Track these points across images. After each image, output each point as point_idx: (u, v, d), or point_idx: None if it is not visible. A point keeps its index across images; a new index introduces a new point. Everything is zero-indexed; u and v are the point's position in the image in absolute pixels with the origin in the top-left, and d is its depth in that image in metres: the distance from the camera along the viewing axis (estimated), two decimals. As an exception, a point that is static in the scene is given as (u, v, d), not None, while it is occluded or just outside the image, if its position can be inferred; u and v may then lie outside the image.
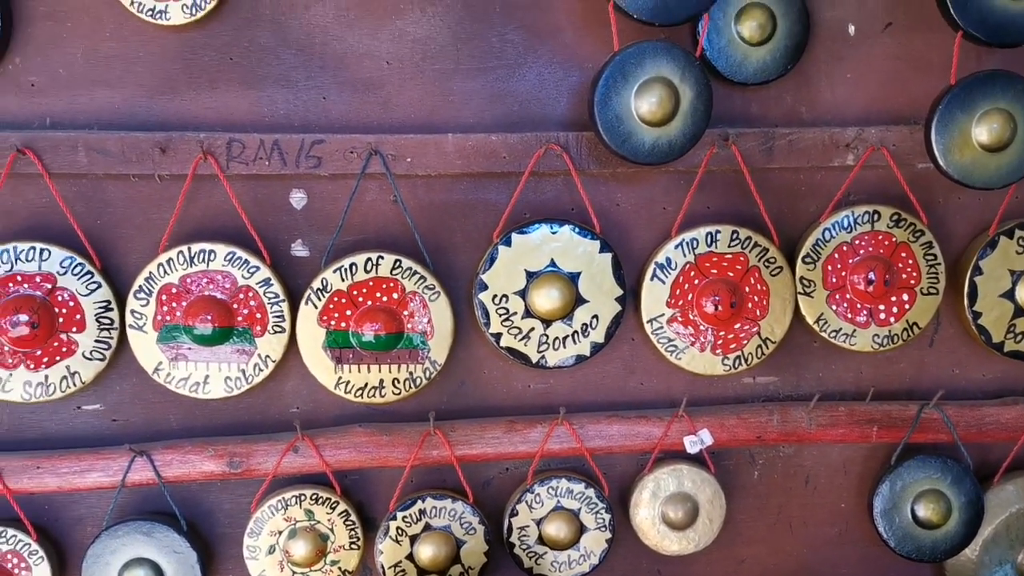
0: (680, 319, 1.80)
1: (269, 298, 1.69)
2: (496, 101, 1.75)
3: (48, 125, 1.66)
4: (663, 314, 1.80)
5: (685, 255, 1.78)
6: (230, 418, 1.77)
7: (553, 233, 1.72)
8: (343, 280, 1.69)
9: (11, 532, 1.70)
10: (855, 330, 1.82)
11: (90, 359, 1.67)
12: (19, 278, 1.63)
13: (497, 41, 1.73)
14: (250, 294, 1.68)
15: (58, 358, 1.66)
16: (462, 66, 1.73)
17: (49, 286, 1.64)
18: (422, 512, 1.75)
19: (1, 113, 1.65)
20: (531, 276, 1.73)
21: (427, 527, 1.76)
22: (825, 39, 1.81)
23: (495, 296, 1.73)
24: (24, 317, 1.62)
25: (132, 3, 1.61)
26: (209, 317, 1.66)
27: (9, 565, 1.70)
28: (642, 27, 1.63)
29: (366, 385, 1.72)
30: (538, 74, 1.75)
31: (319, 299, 1.69)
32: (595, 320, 1.75)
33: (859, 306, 1.81)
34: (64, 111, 1.67)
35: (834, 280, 1.81)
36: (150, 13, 1.62)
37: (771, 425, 1.85)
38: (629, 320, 1.82)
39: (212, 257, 1.67)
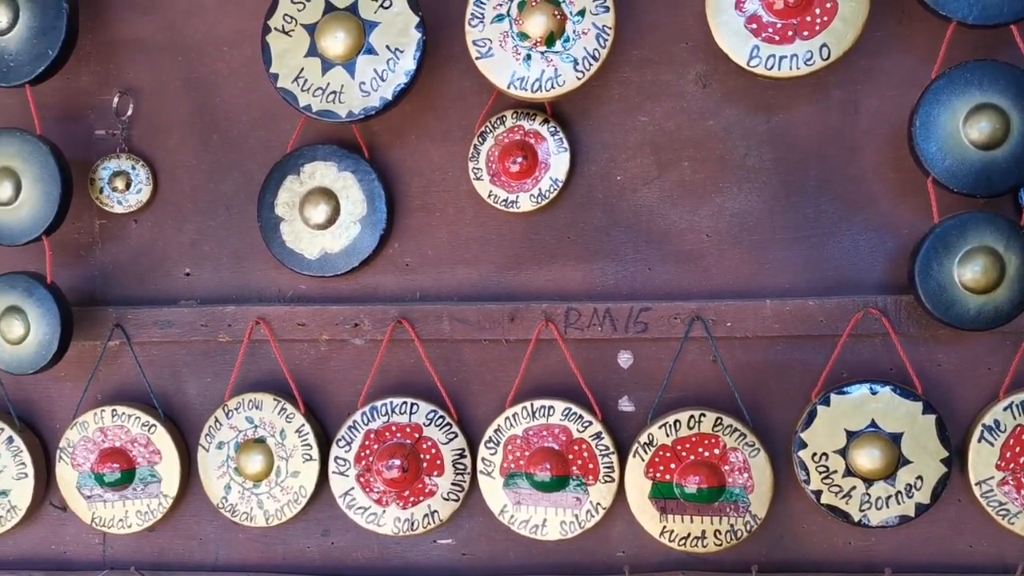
0: (1012, 482, 1.68)
1: (600, 450, 1.79)
2: (811, 267, 1.78)
3: (418, 298, 1.92)
4: (992, 477, 1.69)
5: (1015, 417, 1.68)
6: (563, 558, 1.87)
7: (873, 394, 1.70)
8: (668, 436, 1.75)
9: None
10: None
11: (447, 500, 1.86)
12: (393, 428, 1.86)
13: (812, 212, 1.78)
14: (583, 446, 1.80)
15: (421, 498, 1.86)
16: (778, 236, 1.79)
17: (417, 436, 1.86)
18: (744, 663, 1.74)
19: (383, 289, 1.92)
20: (851, 435, 1.70)
21: None
22: None
23: (814, 454, 1.72)
24: (397, 462, 1.83)
25: (489, 195, 1.84)
26: (548, 467, 1.79)
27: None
28: (962, 197, 1.62)
29: (689, 535, 1.76)
30: (853, 241, 1.77)
31: (646, 452, 1.76)
32: (919, 481, 1.69)
33: None
34: (431, 286, 1.91)
35: None
36: (503, 203, 1.83)
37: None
38: (955, 481, 1.73)
39: (551, 412, 1.80)
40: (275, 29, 1.75)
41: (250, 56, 1.92)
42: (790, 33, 1.63)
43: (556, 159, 1.81)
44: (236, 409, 1.90)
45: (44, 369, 1.85)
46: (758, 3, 1.63)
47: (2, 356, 1.86)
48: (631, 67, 1.81)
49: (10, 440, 1.97)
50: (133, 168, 1.96)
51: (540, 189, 1.82)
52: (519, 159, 1.80)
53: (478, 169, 1.84)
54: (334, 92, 1.74)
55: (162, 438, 1.93)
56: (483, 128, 1.83)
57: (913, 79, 1.72)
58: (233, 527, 1.96)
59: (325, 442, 1.90)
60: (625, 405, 1.86)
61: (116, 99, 1.96)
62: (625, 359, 1.85)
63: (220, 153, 1.96)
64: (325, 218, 1.87)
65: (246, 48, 1.92)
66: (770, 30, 1.63)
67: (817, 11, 1.63)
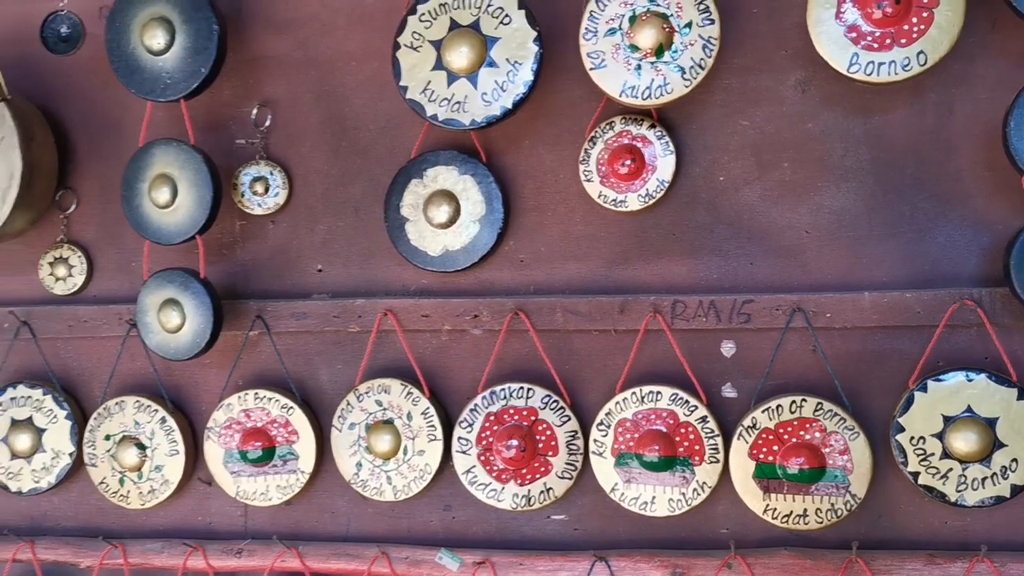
0: (1106, 465, 1.75)
1: (706, 433, 1.90)
2: (908, 261, 1.87)
3: (532, 292, 2.05)
4: (1086, 459, 1.76)
5: (1109, 403, 1.74)
6: (670, 534, 1.99)
7: (969, 381, 1.78)
8: (771, 419, 1.86)
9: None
10: None
11: (561, 478, 1.99)
12: (511, 411, 2.00)
13: (908, 209, 1.86)
14: (689, 429, 1.91)
15: (537, 476, 1.99)
16: (875, 232, 1.88)
17: (533, 418, 1.99)
18: (844, 634, 1.84)
19: (500, 283, 2.06)
20: (948, 420, 1.79)
21: (850, 649, 1.84)
22: None
23: (912, 438, 1.80)
24: (515, 442, 1.97)
25: (599, 196, 1.96)
26: (657, 448, 1.90)
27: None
28: (1056, 193, 1.69)
29: (791, 513, 1.86)
30: (948, 237, 1.85)
31: (749, 435, 1.87)
32: (1014, 463, 1.76)
33: None
34: (544, 280, 2.05)
35: None
36: (612, 202, 1.96)
37: None
38: (1049, 464, 1.80)
39: (659, 397, 1.92)
40: (404, 46, 1.90)
41: (376, 70, 2.08)
42: (888, 41, 1.72)
43: (662, 161, 1.92)
44: (366, 393, 2.07)
45: (198, 356, 2.04)
46: (857, 13, 1.73)
47: (160, 344, 2.06)
48: (733, 74, 1.92)
49: (163, 420, 2.17)
50: (271, 173, 2.13)
51: (647, 189, 1.93)
52: (628, 162, 1.92)
53: (588, 171, 1.96)
54: (458, 102, 1.89)
55: (299, 419, 2.11)
56: (593, 133, 1.95)
57: (1006, 82, 1.81)
58: (362, 501, 2.13)
59: (447, 424, 2.06)
60: (728, 391, 1.96)
61: (255, 111, 2.14)
62: (728, 348, 1.96)
63: (349, 159, 2.12)
64: (447, 218, 2.01)
65: (372, 63, 2.08)
66: (869, 38, 1.72)
67: (914, 20, 1.72)
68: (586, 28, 1.81)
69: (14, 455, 2.24)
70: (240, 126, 2.16)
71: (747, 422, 1.88)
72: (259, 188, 2.12)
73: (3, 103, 2.05)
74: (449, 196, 2.02)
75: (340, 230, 2.13)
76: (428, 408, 2.04)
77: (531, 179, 2.03)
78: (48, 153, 2.16)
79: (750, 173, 1.93)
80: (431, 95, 1.89)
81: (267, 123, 2.13)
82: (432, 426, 2.03)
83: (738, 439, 1.88)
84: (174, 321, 2.03)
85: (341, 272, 2.14)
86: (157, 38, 1.97)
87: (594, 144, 1.95)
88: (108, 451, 2.19)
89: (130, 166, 2.05)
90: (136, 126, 2.17)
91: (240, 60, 2.13)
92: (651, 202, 1.94)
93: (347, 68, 2.11)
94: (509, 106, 1.87)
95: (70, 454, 2.22)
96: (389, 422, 2.06)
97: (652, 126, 1.92)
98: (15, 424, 2.24)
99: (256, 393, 2.11)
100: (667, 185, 1.93)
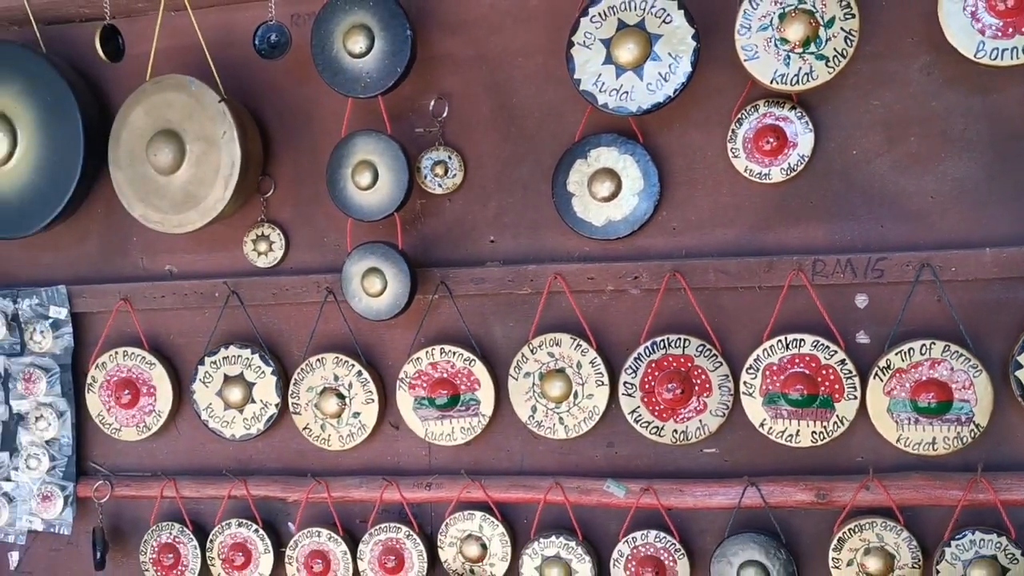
0: None
1: (844, 374, 2.17)
2: (1024, 221, 2.13)
3: (684, 255, 2.32)
4: None
5: None
6: (812, 461, 2.26)
7: (1082, 323, 2.03)
8: (903, 361, 2.13)
9: (653, 533, 2.32)
10: None
11: (714, 416, 2.27)
12: (670, 358, 2.28)
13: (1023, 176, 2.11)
14: (830, 371, 2.18)
15: (692, 415, 2.28)
16: (994, 196, 2.13)
17: (689, 364, 2.27)
18: (972, 542, 2.10)
19: (655, 248, 2.33)
20: (1063, 357, 2.04)
21: (976, 555, 2.10)
22: None
23: (1030, 373, 2.06)
24: (674, 385, 2.26)
25: (745, 170, 2.23)
26: (801, 387, 2.18)
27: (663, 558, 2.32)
28: None
29: (921, 441, 2.14)
30: (1062, 198, 2.10)
31: (884, 375, 2.14)
32: (1123, 394, 2.01)
33: None
34: (694, 245, 2.32)
35: None
36: (757, 176, 2.22)
37: None
38: None
39: (802, 344, 2.19)
40: (577, 43, 2.17)
41: (540, 64, 2.36)
42: (1011, 29, 1.96)
43: (803, 138, 2.18)
44: (539, 346, 2.36)
45: (396, 316, 2.35)
46: (982, 5, 1.97)
47: (363, 306, 2.37)
48: (864, 60, 2.17)
49: (359, 373, 2.48)
50: (449, 158, 2.42)
51: (789, 163, 2.20)
52: (771, 139, 2.18)
53: (735, 149, 2.23)
54: (626, 92, 2.16)
55: (480, 370, 2.41)
56: (739, 115, 2.21)
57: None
58: (534, 440, 2.43)
59: (611, 371, 2.35)
60: (862, 338, 2.22)
61: (433, 103, 2.43)
62: (861, 300, 2.21)
63: (517, 143, 2.41)
64: (609, 192, 2.29)
65: (537, 58, 2.36)
66: (993, 27, 1.96)
67: (1032, 10, 1.96)
68: (741, 24, 2.08)
69: (227, 406, 2.58)
70: (419, 116, 2.45)
71: (882, 363, 2.14)
72: (439, 171, 2.42)
73: (223, 102, 2.37)
74: (611, 173, 2.29)
75: (509, 205, 2.43)
76: (595, 358, 2.33)
77: (682, 156, 2.30)
78: (256, 145, 2.48)
79: (880, 147, 2.18)
80: (601, 86, 2.17)
81: (444, 113, 2.43)
82: (600, 373, 2.32)
83: (874, 378, 2.15)
84: (376, 287, 2.34)
85: (511, 242, 2.43)
86: (359, 43, 2.26)
87: (740, 124, 2.21)
88: (311, 401, 2.52)
89: (333, 154, 2.35)
90: (324, 120, 2.49)
91: (419, 59, 2.42)
92: (792, 175, 2.20)
93: (514, 63, 2.39)
94: (671, 94, 2.13)
95: (276, 404, 2.55)
96: (561, 370, 2.35)
97: (792, 107, 2.18)
98: (228, 379, 2.57)
99: (442, 348, 2.42)
100: (807, 159, 2.19)
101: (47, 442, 2.70)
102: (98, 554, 2.64)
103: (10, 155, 2.52)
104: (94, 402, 2.67)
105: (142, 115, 2.44)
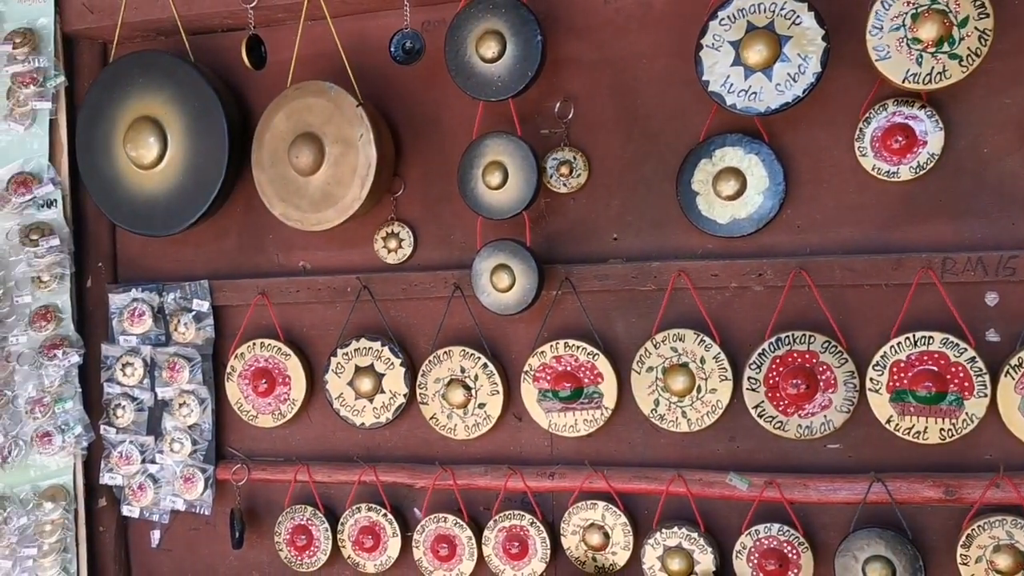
0: None
1: (975, 371, 2.16)
2: None
3: (809, 253, 2.33)
4: None
5: None
6: (940, 458, 2.26)
7: None
8: (1036, 359, 2.11)
9: (776, 526, 2.34)
10: None
11: (839, 412, 2.28)
12: (795, 354, 2.30)
13: None
14: (959, 368, 2.17)
15: (817, 410, 2.29)
16: None
17: (814, 360, 2.28)
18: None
19: (779, 246, 2.35)
20: None
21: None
22: None
23: None
24: (799, 381, 2.27)
25: (872, 168, 2.23)
26: (930, 384, 2.17)
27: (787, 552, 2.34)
28: None
29: (1054, 439, 2.11)
30: None
31: (1016, 372, 2.12)
32: None
33: None
34: (819, 243, 2.33)
35: None
36: (885, 174, 2.23)
37: None
38: None
39: (930, 341, 2.19)
40: (706, 46, 2.20)
41: (664, 66, 2.40)
42: None
43: (933, 137, 2.18)
44: (662, 341, 2.40)
45: (524, 311, 2.41)
46: (1125, 2, 1.94)
47: (491, 301, 2.44)
48: (996, 58, 2.14)
49: (485, 366, 2.56)
50: (574, 158, 2.48)
51: (918, 162, 2.19)
52: (900, 138, 2.18)
53: (863, 147, 2.23)
54: (754, 93, 2.18)
55: (603, 364, 2.46)
56: (867, 114, 2.22)
57: None
58: (655, 432, 2.47)
59: (735, 366, 2.38)
60: (992, 336, 2.21)
61: (559, 105, 2.49)
62: (992, 298, 2.20)
63: (640, 143, 2.45)
64: (734, 191, 2.32)
65: (661, 60, 2.40)
66: None
67: None
68: (872, 25, 2.08)
69: (358, 396, 2.68)
70: (544, 118, 2.51)
71: (1014, 361, 2.12)
72: (564, 170, 2.48)
73: (360, 106, 2.47)
74: (736, 172, 2.32)
75: (632, 204, 2.47)
76: (719, 353, 2.36)
77: (808, 155, 2.32)
78: (389, 147, 2.58)
79: (1013, 145, 2.16)
80: (730, 87, 2.19)
81: (570, 115, 2.49)
82: (724, 368, 2.35)
83: (1005, 376, 2.13)
84: (504, 282, 2.41)
85: (634, 240, 2.48)
86: (491, 48, 2.33)
87: (868, 123, 2.22)
88: (438, 392, 2.61)
89: (465, 155, 2.43)
90: (452, 122, 2.58)
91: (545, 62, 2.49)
92: (921, 173, 2.20)
93: (638, 65, 2.43)
94: (800, 94, 2.15)
95: (404, 395, 2.65)
96: (684, 365, 2.38)
97: (922, 106, 2.18)
98: (359, 370, 2.68)
99: (566, 342, 2.48)
100: (936, 157, 2.18)
101: (189, 427, 2.85)
102: (237, 533, 2.78)
103: (160, 158, 2.67)
104: (233, 390, 2.81)
105: (283, 119, 2.56)
